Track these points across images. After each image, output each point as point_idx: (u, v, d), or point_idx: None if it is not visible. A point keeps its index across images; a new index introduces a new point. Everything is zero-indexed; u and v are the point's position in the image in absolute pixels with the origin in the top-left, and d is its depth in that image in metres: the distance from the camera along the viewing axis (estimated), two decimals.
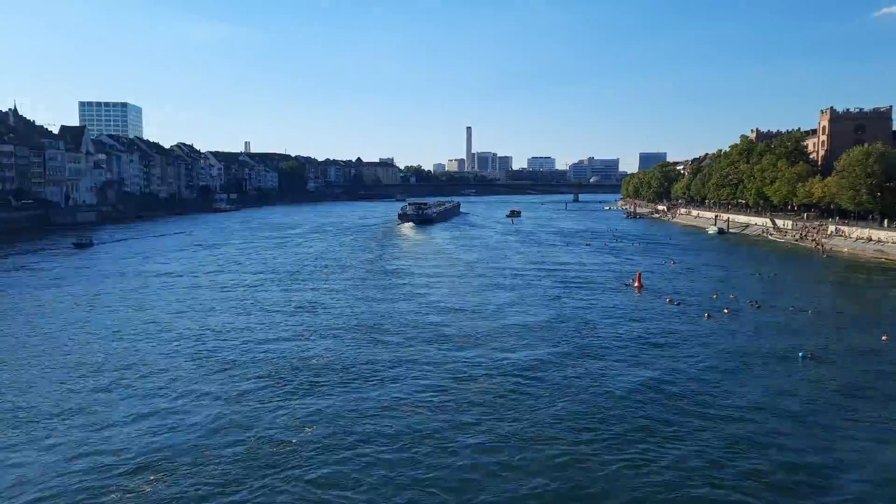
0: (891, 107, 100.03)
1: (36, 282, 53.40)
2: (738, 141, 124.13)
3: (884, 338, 33.22)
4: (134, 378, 27.00)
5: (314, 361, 29.31)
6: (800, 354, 30.20)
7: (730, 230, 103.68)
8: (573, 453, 19.64)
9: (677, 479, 18.02)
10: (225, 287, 50.67)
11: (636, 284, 49.66)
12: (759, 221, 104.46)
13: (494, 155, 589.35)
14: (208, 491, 17.48)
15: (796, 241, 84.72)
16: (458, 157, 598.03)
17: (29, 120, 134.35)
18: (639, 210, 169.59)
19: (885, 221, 76.05)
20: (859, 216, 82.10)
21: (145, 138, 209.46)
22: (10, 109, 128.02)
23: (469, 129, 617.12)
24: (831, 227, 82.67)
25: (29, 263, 65.04)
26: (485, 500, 17.12)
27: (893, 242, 69.73)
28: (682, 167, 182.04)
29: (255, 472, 18.46)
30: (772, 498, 17.11)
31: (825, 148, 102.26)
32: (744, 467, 18.74)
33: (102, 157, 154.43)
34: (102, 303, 44.11)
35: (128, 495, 17.27)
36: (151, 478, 18.14)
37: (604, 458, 19.35)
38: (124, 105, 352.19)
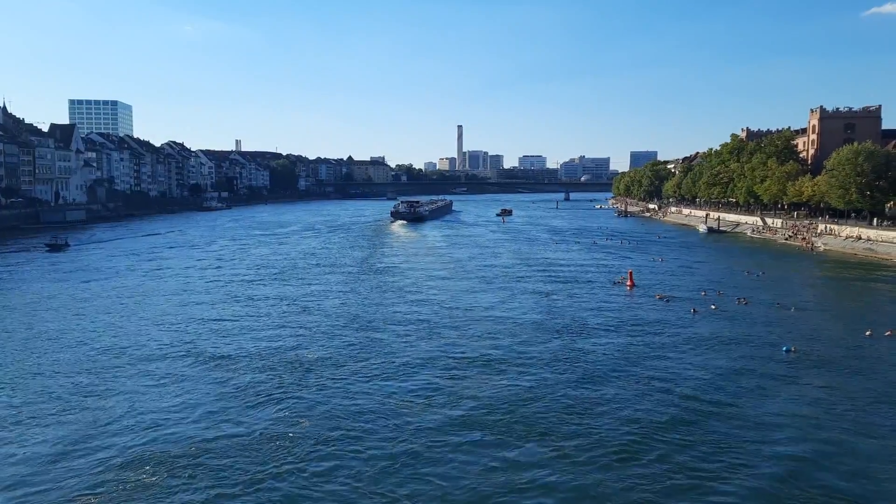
0: (880, 106, 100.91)
1: None
2: (728, 140, 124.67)
3: (868, 332, 33.56)
4: (127, 374, 26.97)
5: (307, 357, 29.32)
6: (783, 349, 30.49)
7: (720, 229, 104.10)
8: (563, 446, 19.77)
9: (662, 471, 18.22)
10: (217, 285, 50.54)
11: (628, 283, 49.80)
12: (749, 220, 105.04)
13: (485, 153, 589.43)
14: (203, 485, 17.48)
15: (786, 239, 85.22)
16: (450, 156, 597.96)
17: (18, 118, 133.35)
18: (630, 209, 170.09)
19: (875, 220, 76.65)
20: (848, 215, 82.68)
21: (136, 136, 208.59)
22: None
23: (460, 127, 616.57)
24: (821, 226, 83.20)
25: None
26: (479, 494, 17.20)
27: (883, 241, 70.26)
28: (672, 166, 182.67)
29: (250, 467, 18.48)
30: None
31: (815, 147, 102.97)
32: (728, 468, 18.94)
33: (92, 155, 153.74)
34: (88, 301, 43.98)
35: (122, 491, 17.27)
36: (146, 472, 18.13)
37: (591, 450, 19.48)
38: (115, 103, 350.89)
